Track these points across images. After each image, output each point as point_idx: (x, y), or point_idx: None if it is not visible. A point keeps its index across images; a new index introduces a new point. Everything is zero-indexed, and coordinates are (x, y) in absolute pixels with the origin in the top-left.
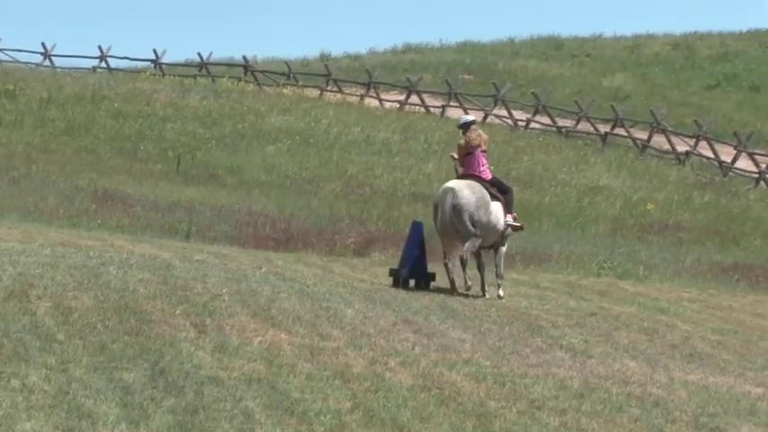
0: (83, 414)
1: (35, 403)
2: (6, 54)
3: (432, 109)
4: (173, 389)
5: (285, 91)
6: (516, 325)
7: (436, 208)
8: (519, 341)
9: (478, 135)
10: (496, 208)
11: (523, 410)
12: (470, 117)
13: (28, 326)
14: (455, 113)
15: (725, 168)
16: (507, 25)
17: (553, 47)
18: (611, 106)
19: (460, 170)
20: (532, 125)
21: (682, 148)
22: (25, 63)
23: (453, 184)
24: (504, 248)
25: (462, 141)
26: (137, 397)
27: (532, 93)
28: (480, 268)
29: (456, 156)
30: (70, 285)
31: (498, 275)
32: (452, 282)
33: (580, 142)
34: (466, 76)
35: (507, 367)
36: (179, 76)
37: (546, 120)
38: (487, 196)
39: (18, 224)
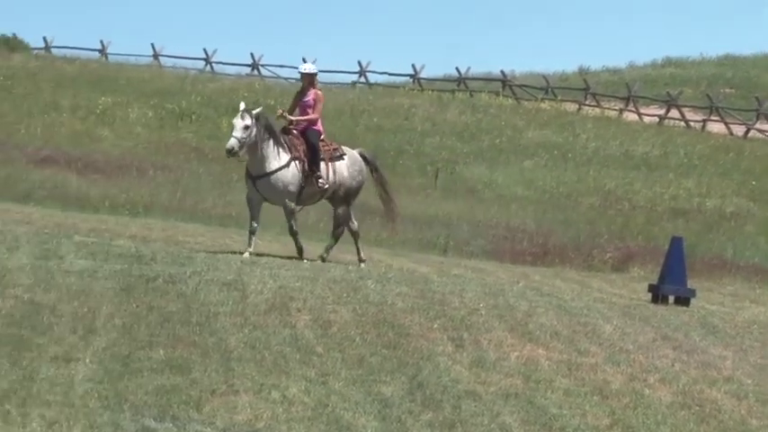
0: (342, 426)
1: (295, 415)
2: (267, 70)
3: (692, 123)
4: (430, 402)
5: (543, 105)
6: None
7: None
8: None
9: None
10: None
11: None
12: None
13: (288, 338)
14: (716, 128)
15: None
16: None
17: None
18: None
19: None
20: None
21: None
22: (286, 79)
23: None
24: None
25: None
26: (395, 410)
27: None
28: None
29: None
30: (329, 299)
31: None
32: None
33: None
34: (727, 90)
35: None
36: (437, 90)
37: None
38: None
39: (277, 237)
